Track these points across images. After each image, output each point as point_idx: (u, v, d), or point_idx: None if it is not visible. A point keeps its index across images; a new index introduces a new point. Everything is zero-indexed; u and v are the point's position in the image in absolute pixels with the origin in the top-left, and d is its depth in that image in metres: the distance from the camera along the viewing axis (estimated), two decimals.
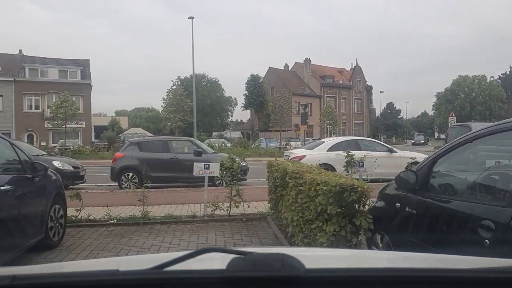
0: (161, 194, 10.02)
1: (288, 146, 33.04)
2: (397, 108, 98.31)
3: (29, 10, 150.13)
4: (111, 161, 11.90)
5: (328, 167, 12.20)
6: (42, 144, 36.31)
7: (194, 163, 6.89)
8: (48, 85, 36.37)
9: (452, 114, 41.49)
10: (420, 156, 11.74)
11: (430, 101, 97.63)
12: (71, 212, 6.40)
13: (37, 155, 11.31)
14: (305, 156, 12.28)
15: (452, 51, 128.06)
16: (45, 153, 12.20)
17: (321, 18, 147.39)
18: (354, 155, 11.26)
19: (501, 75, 75.69)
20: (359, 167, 10.13)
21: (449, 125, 40.63)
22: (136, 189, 11.13)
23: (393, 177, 3.34)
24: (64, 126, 26.31)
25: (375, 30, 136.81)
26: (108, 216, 6.65)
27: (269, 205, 6.67)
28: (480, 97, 73.12)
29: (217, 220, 6.64)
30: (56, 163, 11.08)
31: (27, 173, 4.69)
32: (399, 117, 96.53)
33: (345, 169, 9.88)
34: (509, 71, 75.71)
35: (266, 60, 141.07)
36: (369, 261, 1.53)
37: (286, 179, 4.99)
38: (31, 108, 37.78)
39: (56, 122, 26.78)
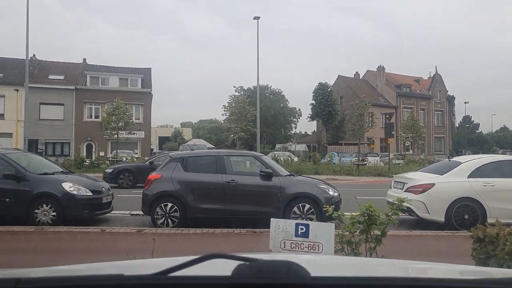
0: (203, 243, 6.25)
1: (365, 162, 28.21)
2: (474, 122, 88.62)
3: (100, 28, 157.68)
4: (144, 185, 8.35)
5: (471, 203, 7.73)
6: (100, 154, 34.94)
7: (271, 219, 2.92)
8: (108, 94, 34.90)
9: None
10: None
11: (507, 115, 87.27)
12: None
13: (45, 174, 8.12)
14: (434, 185, 7.87)
15: None
16: (61, 170, 9.01)
17: (384, 31, 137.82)
18: None
19: None
20: None
21: None
22: (175, 228, 7.49)
23: None
24: (116, 135, 23.92)
25: (442, 41, 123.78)
26: None
27: None
28: None
29: None
30: (67, 186, 7.78)
31: None
32: (477, 131, 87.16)
33: None
34: None
35: (331, 71, 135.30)
36: (376, 269, 1.49)
37: None
38: (91, 117, 36.63)
39: (107, 131, 24.45)
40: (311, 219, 7.49)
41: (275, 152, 35.40)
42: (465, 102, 62.51)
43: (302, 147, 49.70)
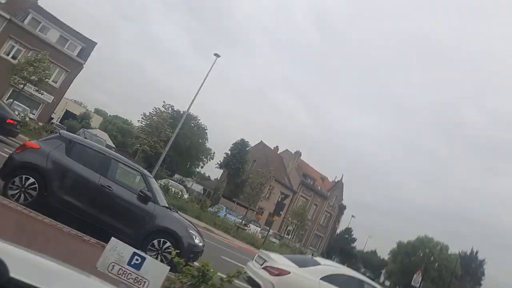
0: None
1: (246, 228, 28.72)
2: (353, 236, 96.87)
3: None
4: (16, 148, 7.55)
5: None
6: None
7: (112, 238, 2.79)
8: (39, 43, 31.99)
9: (419, 272, 38.47)
10: None
11: (380, 242, 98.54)
12: None
13: None
14: (289, 273, 8.23)
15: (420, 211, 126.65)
16: None
17: (316, 122, 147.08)
18: None
19: (461, 252, 74.46)
20: None
21: (413, 281, 37.69)
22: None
23: None
24: (22, 86, 21.59)
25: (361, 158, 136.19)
26: None
27: None
28: (437, 264, 71.19)
29: None
30: None
31: None
32: (352, 245, 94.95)
33: None
34: (469, 253, 75.01)
35: (257, 132, 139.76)
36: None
37: None
38: (8, 55, 32.59)
39: (15, 77, 22.00)
40: (166, 258, 7.27)
41: (170, 181, 34.53)
42: (352, 216, 68.01)
43: (198, 188, 49.26)
